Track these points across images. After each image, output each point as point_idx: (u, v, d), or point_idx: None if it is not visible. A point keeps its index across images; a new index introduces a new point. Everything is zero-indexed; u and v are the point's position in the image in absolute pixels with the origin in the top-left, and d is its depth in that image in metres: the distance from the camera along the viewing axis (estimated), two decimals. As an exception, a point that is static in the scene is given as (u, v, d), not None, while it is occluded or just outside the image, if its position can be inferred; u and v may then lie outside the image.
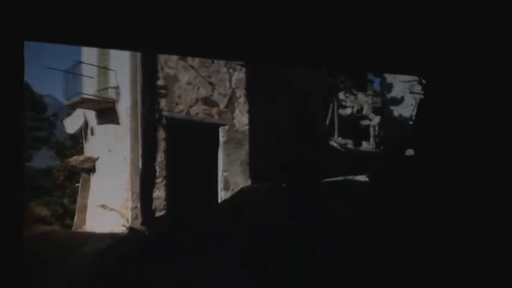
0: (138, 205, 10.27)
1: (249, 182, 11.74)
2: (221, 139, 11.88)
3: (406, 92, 20.64)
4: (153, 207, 10.46)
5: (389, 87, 22.78)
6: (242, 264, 5.64)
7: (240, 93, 12.18)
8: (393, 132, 21.47)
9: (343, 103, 27.98)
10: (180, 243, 7.02)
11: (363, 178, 8.83)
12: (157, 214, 10.38)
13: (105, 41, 2.08)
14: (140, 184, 10.35)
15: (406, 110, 21.34)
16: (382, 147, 23.20)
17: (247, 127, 12.15)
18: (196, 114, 11.40)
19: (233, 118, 12.02)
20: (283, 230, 6.28)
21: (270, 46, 2.08)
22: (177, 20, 1.90)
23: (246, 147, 12.09)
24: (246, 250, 5.88)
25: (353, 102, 28.52)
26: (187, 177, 10.81)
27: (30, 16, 1.71)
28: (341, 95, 27.49)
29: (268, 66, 11.86)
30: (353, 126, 26.01)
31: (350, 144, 23.13)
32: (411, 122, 20.85)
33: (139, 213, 10.21)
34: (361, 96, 28.55)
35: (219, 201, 11.15)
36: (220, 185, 11.72)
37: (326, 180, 9.12)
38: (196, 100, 11.45)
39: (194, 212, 9.25)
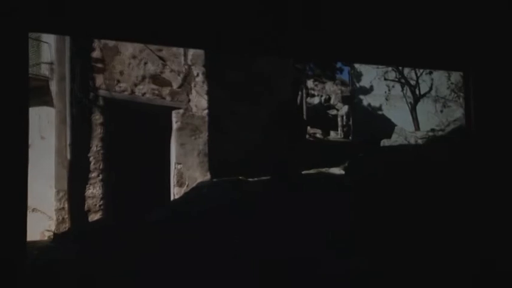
0: (66, 205, 9.28)
1: (208, 177, 11.23)
2: (174, 125, 11.18)
3: (379, 80, 20.52)
4: (86, 208, 9.51)
5: (359, 75, 23.12)
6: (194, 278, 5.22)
7: (198, 71, 11.49)
8: (362, 122, 21.97)
9: (312, 91, 28.49)
10: (116, 257, 6.08)
11: (338, 171, 8.77)
12: (92, 217, 9.49)
13: (115, 33, 1.98)
14: (68, 179, 9.34)
15: (376, 99, 21.74)
16: (350, 137, 23.57)
17: (206, 111, 11.51)
18: (143, 94, 10.63)
19: (189, 100, 11.35)
20: (247, 233, 5.96)
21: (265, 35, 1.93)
22: (188, 12, 1.86)
23: (205, 135, 11.49)
24: (203, 259, 5.51)
25: (321, 91, 29.10)
26: (130, 172, 9.95)
27: (34, 6, 1.68)
28: (310, 83, 27.74)
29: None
30: (321, 116, 26.51)
31: (319, 133, 23.50)
32: (380, 112, 21.14)
33: (66, 216, 9.23)
34: (329, 85, 29.14)
35: (171, 199, 10.50)
36: (173, 180, 11.02)
37: (301, 173, 8.80)
38: (143, 78, 10.65)
39: (138, 213, 8.23)
